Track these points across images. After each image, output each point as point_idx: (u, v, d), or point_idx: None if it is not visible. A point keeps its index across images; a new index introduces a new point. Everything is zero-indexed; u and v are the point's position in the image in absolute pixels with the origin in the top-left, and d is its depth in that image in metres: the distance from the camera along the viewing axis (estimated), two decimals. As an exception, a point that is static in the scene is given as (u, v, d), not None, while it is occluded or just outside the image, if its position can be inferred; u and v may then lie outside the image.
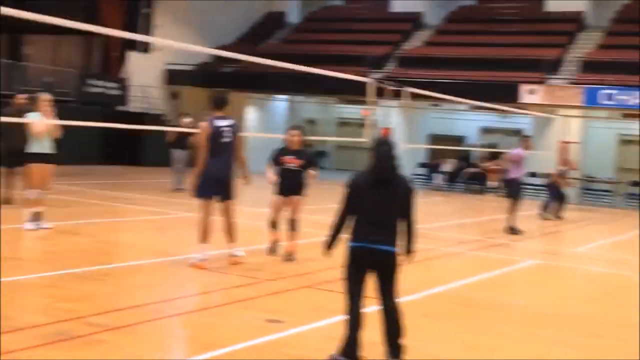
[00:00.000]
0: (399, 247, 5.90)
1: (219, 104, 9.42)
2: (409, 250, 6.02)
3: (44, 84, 27.23)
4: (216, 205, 9.47)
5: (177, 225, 13.18)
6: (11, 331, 6.02)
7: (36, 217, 11.38)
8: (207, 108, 9.64)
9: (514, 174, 15.37)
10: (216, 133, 9.23)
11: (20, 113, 13.20)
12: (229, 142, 9.28)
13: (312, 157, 10.51)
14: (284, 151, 10.33)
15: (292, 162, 10.22)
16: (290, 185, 10.29)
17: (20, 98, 14.06)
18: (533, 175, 26.53)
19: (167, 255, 10.02)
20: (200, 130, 9.39)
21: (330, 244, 6.03)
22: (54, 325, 6.31)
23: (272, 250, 10.41)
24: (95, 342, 5.93)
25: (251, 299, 7.89)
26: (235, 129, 9.39)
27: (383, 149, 5.87)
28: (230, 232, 9.57)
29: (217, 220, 9.58)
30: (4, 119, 12.82)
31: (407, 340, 6.02)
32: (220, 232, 9.63)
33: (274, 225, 10.42)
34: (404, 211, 5.87)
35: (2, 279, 7.89)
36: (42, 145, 11.45)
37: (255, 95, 32.23)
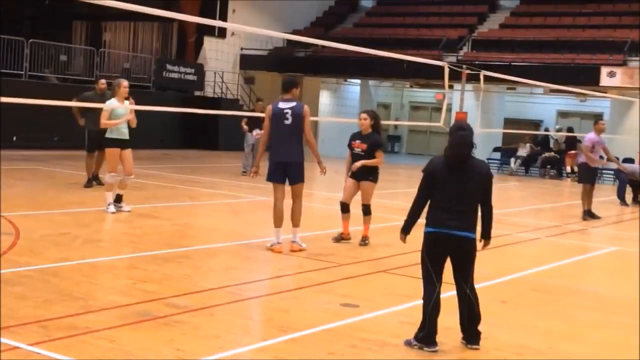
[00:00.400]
0: (476, 232, 5.88)
1: (286, 87, 9.39)
2: (486, 236, 6.01)
3: (123, 70, 27.85)
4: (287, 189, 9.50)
5: (252, 209, 13.33)
6: (95, 311, 6.22)
7: (117, 199, 11.70)
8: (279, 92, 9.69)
9: (583, 158, 15.03)
10: (278, 116, 9.23)
11: (102, 98, 13.59)
12: (291, 124, 9.20)
13: (377, 142, 10.20)
14: (355, 135, 10.29)
15: (358, 146, 10.14)
16: (359, 169, 10.23)
17: (102, 83, 14.43)
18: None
19: (243, 238, 10.15)
20: (265, 114, 9.47)
21: (406, 228, 6.03)
22: (135, 305, 6.48)
23: (338, 240, 10.31)
24: (175, 323, 6.07)
25: (326, 283, 7.94)
26: (298, 111, 9.22)
27: (461, 133, 5.83)
28: (293, 216, 9.47)
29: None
30: (83, 104, 13.27)
31: (483, 327, 6.00)
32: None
33: (344, 208, 10.38)
34: (483, 196, 5.85)
35: (86, 260, 8.16)
36: (119, 131, 11.73)
37: (328, 80, 32.28)
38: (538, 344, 6.30)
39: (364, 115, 10.22)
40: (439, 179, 5.81)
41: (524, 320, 7.04)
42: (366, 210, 10.29)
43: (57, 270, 7.66)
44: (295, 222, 9.49)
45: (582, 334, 6.71)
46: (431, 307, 5.78)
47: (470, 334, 5.93)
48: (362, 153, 10.09)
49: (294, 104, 9.28)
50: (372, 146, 10.09)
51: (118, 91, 11.73)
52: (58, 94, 15.24)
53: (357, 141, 10.16)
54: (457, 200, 5.77)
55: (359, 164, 10.06)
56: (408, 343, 5.84)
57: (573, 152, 25.32)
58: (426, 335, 5.77)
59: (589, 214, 14.80)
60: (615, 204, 18.14)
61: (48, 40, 25.11)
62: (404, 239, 6.06)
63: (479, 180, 5.84)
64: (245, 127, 19.30)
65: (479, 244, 5.98)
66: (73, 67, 27.08)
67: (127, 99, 11.78)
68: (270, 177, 9.40)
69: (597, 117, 15.63)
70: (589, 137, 15.01)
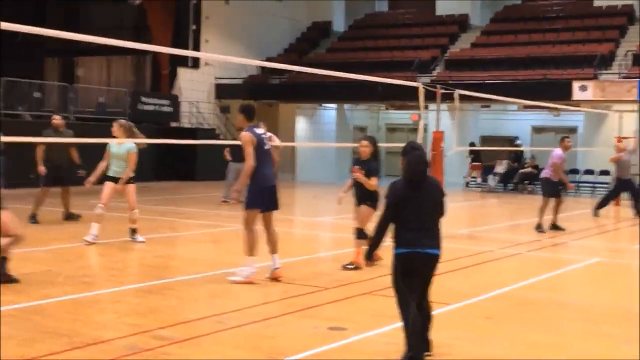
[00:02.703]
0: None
1: (252, 114, 9.39)
2: None
3: (98, 104, 27.79)
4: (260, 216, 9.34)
5: (233, 237, 13.26)
6: (81, 347, 6.17)
7: (132, 233, 12.17)
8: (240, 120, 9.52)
9: (547, 173, 15.27)
10: (260, 142, 9.20)
11: (59, 134, 13.95)
12: (269, 149, 9.35)
13: (372, 169, 10.29)
14: (355, 162, 10.45)
15: (357, 172, 10.26)
16: (357, 194, 10.34)
17: (55, 119, 14.51)
18: (590, 172, 26.23)
19: (225, 267, 10.08)
20: (245, 140, 9.16)
21: (371, 255, 6.20)
22: (122, 339, 6.43)
23: (350, 269, 10.12)
24: (162, 355, 6.03)
25: (312, 307, 7.93)
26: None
27: (417, 153, 6.04)
28: (274, 242, 9.40)
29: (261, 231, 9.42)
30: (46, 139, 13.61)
31: (469, 343, 6.03)
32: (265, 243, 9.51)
33: (356, 233, 10.39)
34: (440, 212, 6.06)
35: (69, 296, 8.09)
36: (113, 170, 12.11)
37: (304, 105, 32.39)
38: (525, 357, 6.32)
39: (365, 143, 10.33)
40: (402, 200, 5.94)
41: (509, 334, 7.06)
42: (359, 234, 10.24)
43: (40, 308, 7.60)
44: (276, 248, 9.41)
45: (569, 345, 6.73)
46: (412, 325, 5.83)
47: (426, 342, 6.02)
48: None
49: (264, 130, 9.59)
50: (367, 173, 10.20)
51: (132, 133, 12.11)
52: (33, 132, 15.16)
53: (357, 167, 10.29)
54: (423, 218, 5.94)
55: (356, 174, 10.17)
56: (397, 363, 5.86)
57: (477, 163, 28.34)
58: (414, 354, 5.79)
59: (540, 228, 14.98)
60: (592, 215, 18.29)
61: (21, 78, 25.02)
62: (370, 264, 6.27)
63: (437, 196, 6.06)
64: (228, 156, 19.33)
65: None
66: (47, 104, 26.97)
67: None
68: (255, 204, 9.25)
69: (564, 135, 15.96)
70: (558, 154, 15.16)
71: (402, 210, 5.92)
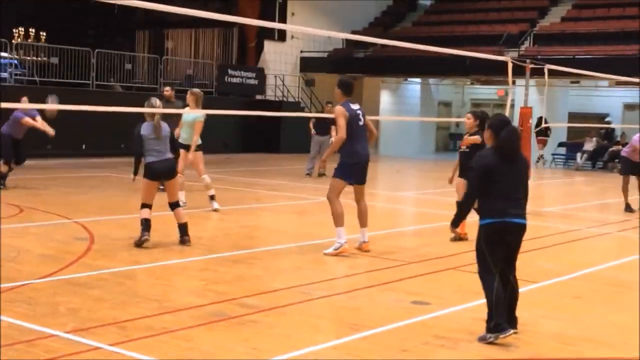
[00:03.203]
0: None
1: (350, 89, 9.43)
2: None
3: (185, 76, 28.27)
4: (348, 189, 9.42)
5: (318, 210, 13.36)
6: (171, 312, 6.35)
7: (211, 198, 12.48)
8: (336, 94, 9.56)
9: (627, 152, 14.86)
10: (353, 117, 9.26)
11: (170, 104, 14.15)
12: (364, 126, 9.35)
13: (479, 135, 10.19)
14: (462, 136, 10.43)
15: (463, 144, 10.26)
16: (463, 167, 10.28)
17: (167, 90, 14.77)
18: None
19: (310, 239, 10.20)
20: (338, 114, 9.21)
21: (458, 223, 6.33)
22: (210, 306, 6.59)
23: (456, 240, 10.00)
24: (249, 322, 6.16)
25: (395, 281, 7.95)
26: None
27: (511, 128, 6.07)
28: (365, 216, 9.49)
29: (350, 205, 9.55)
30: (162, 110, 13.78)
31: (555, 322, 5.96)
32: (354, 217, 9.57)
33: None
34: (526, 187, 6.11)
35: (158, 263, 8.33)
36: (182, 137, 12.43)
37: (388, 80, 32.22)
38: (614, 338, 6.21)
39: (468, 115, 10.36)
40: (494, 171, 5.93)
41: (597, 314, 6.95)
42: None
43: (131, 273, 7.85)
44: (367, 222, 9.54)
45: (659, 328, 6.57)
46: (496, 295, 5.83)
47: (512, 319, 5.94)
48: (467, 150, 10.12)
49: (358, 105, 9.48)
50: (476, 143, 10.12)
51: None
52: (123, 102, 15.54)
53: (463, 140, 10.36)
54: (512, 190, 5.95)
55: (464, 142, 10.23)
56: (482, 338, 5.84)
57: (542, 138, 27.18)
58: (497, 323, 5.79)
59: (627, 205, 14.57)
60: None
61: (113, 50, 25.64)
62: (458, 234, 6.31)
63: (525, 169, 6.12)
64: (312, 129, 19.48)
65: None
66: (137, 76, 27.58)
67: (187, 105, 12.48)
68: (349, 178, 9.35)
69: None
70: (637, 137, 14.72)
71: (490, 181, 5.92)
